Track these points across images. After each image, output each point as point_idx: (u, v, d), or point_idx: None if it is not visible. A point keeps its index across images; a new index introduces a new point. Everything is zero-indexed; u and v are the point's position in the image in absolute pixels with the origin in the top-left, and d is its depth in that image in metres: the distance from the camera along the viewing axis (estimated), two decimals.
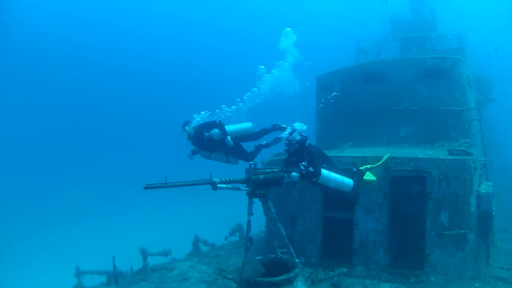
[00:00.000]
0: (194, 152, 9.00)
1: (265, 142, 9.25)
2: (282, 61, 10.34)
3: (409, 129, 10.67)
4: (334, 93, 12.24)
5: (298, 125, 7.19)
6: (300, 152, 6.76)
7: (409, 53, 14.05)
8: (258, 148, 9.29)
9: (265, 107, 10.30)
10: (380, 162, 7.87)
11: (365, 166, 7.57)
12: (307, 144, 6.91)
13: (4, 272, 18.74)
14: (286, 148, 6.97)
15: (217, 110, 9.27)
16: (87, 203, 41.68)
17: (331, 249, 9.09)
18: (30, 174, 54.56)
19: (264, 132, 9.32)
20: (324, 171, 6.56)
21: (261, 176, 6.02)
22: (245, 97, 9.76)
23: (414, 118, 10.69)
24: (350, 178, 7.00)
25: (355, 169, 7.52)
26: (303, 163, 6.56)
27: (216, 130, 8.72)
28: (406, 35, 14.87)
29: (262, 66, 10.46)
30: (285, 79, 10.27)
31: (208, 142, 8.73)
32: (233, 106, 9.52)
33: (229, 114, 9.45)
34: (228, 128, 8.83)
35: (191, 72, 79.74)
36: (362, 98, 11.53)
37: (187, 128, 8.77)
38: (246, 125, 9.15)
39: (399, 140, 10.61)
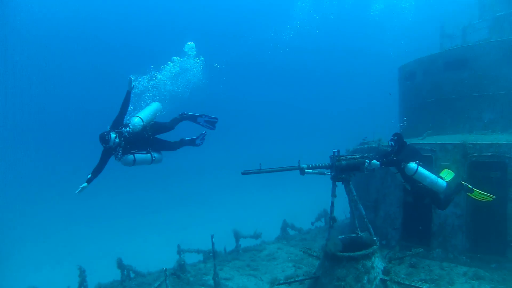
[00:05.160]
0: (94, 176, 7.06)
1: (189, 138, 8.36)
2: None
3: (493, 115, 10.50)
4: (416, 82, 12.32)
5: None
6: (400, 152, 7.25)
7: (500, 34, 12.98)
8: (182, 143, 8.32)
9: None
10: (484, 195, 7.19)
11: (466, 184, 7.32)
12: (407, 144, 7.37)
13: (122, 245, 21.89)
14: (389, 149, 7.50)
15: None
16: (183, 191, 45.11)
17: (411, 232, 9.40)
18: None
19: (176, 121, 8.33)
20: (421, 168, 6.90)
21: (343, 162, 6.66)
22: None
23: (499, 103, 10.48)
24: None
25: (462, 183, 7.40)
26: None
27: (136, 119, 7.40)
28: (497, 14, 13.58)
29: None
30: None
31: (130, 140, 7.26)
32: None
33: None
34: (141, 114, 7.58)
35: None
36: (444, 85, 11.49)
37: (113, 136, 6.96)
38: (155, 105, 7.96)
39: (482, 127, 10.50)
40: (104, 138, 6.85)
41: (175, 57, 9.32)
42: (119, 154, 7.14)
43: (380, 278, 6.35)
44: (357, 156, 6.89)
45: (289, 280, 7.20)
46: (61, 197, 40.31)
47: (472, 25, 14.60)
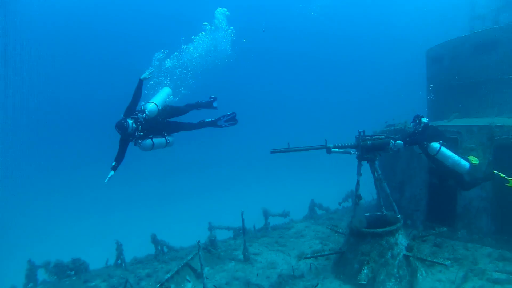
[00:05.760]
0: (118, 163, 7.13)
1: (209, 120, 8.23)
2: None
3: None
4: (444, 65, 12.28)
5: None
6: (424, 133, 7.43)
7: None
8: (202, 125, 8.26)
9: None
10: None
11: (498, 173, 7.36)
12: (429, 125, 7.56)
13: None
14: (413, 129, 7.67)
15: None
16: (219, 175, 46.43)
17: (436, 213, 9.51)
18: None
19: (190, 107, 8.35)
20: (443, 148, 7.10)
21: (368, 142, 6.93)
22: None
23: None
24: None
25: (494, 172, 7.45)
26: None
27: (151, 105, 7.41)
28: None
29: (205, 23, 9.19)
30: None
31: (147, 125, 7.26)
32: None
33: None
34: (155, 100, 7.60)
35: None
36: (472, 68, 11.45)
37: (130, 122, 6.98)
38: (166, 90, 7.96)
39: (511, 110, 10.44)
40: (122, 126, 6.86)
41: (205, 23, 9.14)
42: (138, 140, 7.17)
43: (404, 254, 6.63)
44: (382, 137, 7.13)
45: (315, 255, 7.57)
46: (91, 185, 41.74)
47: (505, 5, 14.19)
